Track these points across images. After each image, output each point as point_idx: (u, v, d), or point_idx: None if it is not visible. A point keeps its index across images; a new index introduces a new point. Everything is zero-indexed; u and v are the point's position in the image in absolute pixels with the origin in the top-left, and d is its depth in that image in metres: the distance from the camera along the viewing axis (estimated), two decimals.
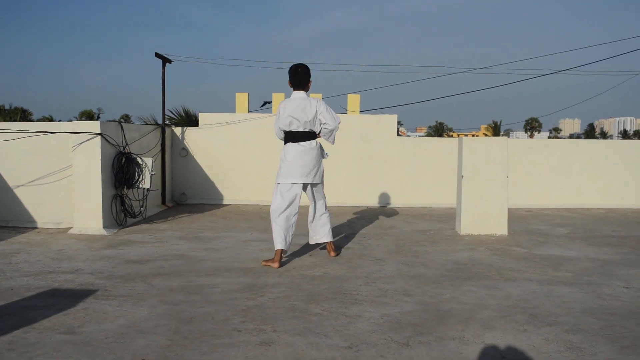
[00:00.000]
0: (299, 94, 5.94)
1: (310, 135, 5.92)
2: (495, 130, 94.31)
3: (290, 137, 5.91)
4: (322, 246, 6.52)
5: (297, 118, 5.83)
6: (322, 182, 6.12)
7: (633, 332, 3.83)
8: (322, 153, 6.07)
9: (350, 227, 8.04)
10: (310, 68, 5.99)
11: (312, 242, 6.26)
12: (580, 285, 5.04)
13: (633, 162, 11.06)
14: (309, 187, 6.06)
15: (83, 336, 3.64)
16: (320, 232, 6.17)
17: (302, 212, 6.68)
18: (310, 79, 6.01)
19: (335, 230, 7.72)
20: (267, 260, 5.75)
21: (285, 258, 5.96)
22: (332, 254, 6.15)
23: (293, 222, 5.95)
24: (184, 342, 3.54)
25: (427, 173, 10.75)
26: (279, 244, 5.74)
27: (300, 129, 5.88)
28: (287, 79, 5.98)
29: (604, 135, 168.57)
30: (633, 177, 11.01)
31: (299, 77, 5.92)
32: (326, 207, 6.21)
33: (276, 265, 5.64)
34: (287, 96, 6.17)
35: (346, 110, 10.95)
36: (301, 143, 5.88)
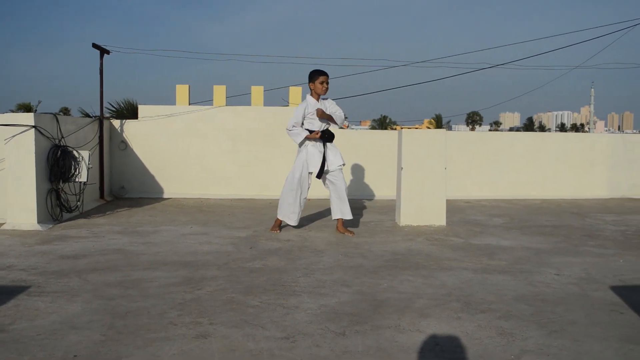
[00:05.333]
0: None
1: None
2: (438, 123, 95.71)
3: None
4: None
5: None
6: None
7: (562, 318, 3.95)
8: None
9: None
10: (316, 70, 6.98)
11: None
12: (513, 273, 5.17)
13: (567, 154, 11.39)
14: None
15: (13, 334, 3.54)
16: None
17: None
18: (312, 81, 6.95)
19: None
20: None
21: (231, 249, 5.94)
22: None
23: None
24: (118, 337, 3.49)
25: (370, 165, 10.84)
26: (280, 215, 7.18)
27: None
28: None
29: (542, 128, 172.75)
30: (567, 169, 11.34)
31: (308, 78, 7.01)
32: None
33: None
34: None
35: (288, 102, 10.93)
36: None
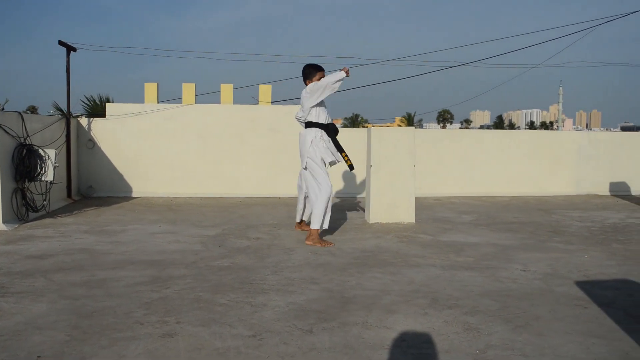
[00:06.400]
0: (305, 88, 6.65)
1: (306, 124, 6.62)
2: (409, 121, 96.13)
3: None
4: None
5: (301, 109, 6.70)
6: (310, 170, 6.49)
7: (527, 313, 4.00)
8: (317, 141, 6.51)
9: (261, 218, 8.03)
10: (312, 65, 6.65)
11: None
12: (480, 269, 5.22)
13: (534, 152, 11.53)
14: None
15: None
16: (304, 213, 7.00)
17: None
18: (310, 77, 6.58)
19: (246, 221, 7.70)
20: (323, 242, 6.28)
21: (200, 247, 5.91)
22: (305, 227, 6.95)
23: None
24: (83, 337, 3.45)
25: (340, 163, 10.83)
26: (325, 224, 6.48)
27: (301, 119, 6.71)
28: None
29: (512, 126, 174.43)
30: (534, 166, 11.48)
31: (303, 75, 6.67)
32: (314, 196, 6.42)
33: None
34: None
35: (258, 101, 10.91)
36: (301, 131, 6.71)
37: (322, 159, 6.48)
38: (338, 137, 6.72)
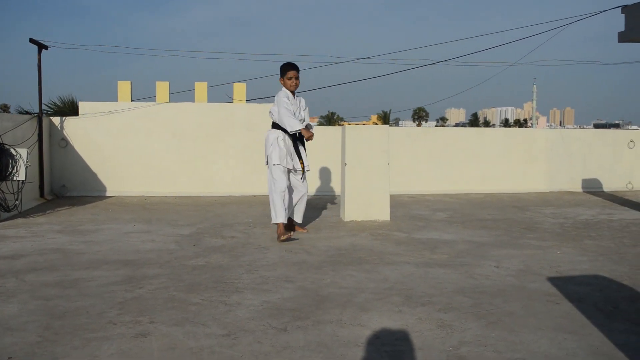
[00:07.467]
0: None
1: (272, 124, 6.67)
2: (385, 119, 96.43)
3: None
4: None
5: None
6: (269, 167, 6.59)
7: (499, 309, 4.04)
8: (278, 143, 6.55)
9: (236, 216, 8.00)
10: (284, 64, 6.58)
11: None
12: (454, 266, 5.26)
13: (508, 149, 11.63)
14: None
15: None
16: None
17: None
18: (281, 76, 6.58)
19: (221, 220, 7.68)
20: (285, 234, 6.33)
21: (174, 246, 5.88)
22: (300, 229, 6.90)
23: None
24: (55, 338, 3.42)
25: (314, 161, 10.84)
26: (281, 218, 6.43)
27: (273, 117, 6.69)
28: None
29: (487, 124, 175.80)
30: (508, 163, 11.58)
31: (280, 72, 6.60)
32: (269, 191, 6.59)
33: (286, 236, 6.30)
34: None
35: (232, 99, 10.87)
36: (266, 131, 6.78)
37: (280, 160, 6.49)
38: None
